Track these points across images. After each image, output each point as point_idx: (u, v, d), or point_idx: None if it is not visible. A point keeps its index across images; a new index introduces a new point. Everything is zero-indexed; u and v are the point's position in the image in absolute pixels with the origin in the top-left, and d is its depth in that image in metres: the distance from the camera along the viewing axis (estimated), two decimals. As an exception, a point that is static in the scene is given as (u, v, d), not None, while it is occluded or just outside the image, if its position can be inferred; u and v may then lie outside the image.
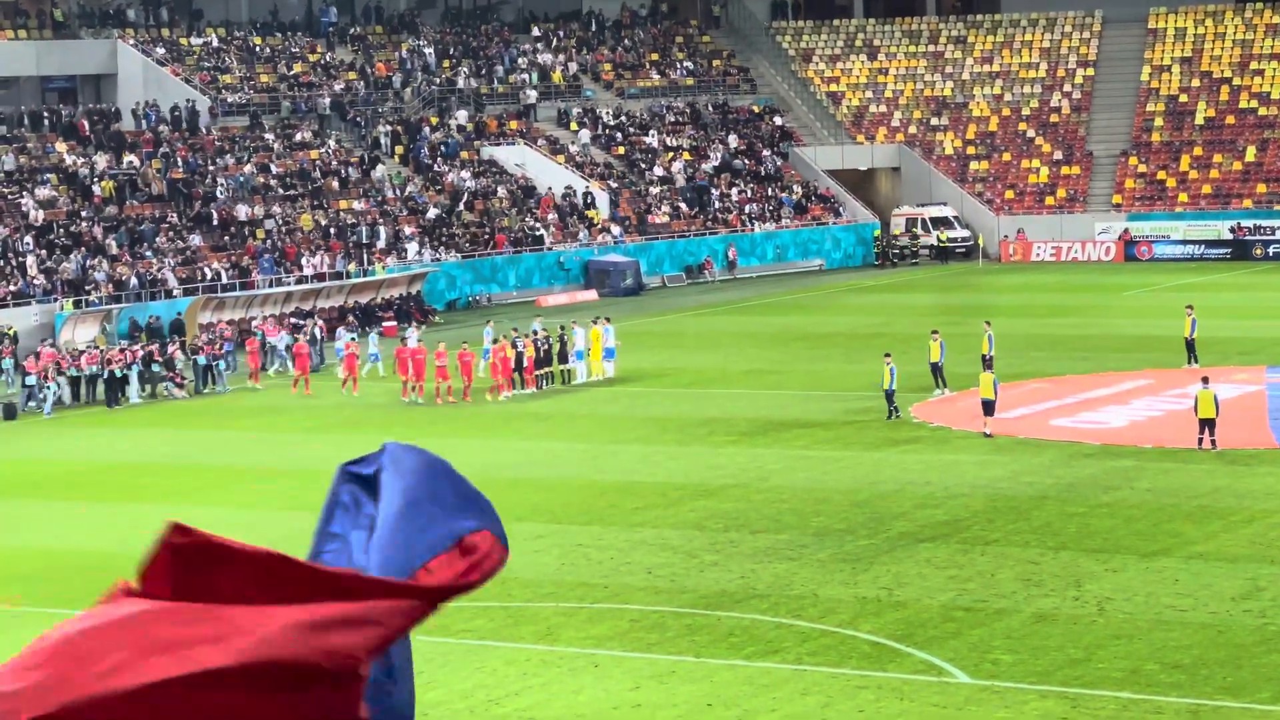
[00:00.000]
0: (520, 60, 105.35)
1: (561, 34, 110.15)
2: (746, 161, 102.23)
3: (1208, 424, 42.83)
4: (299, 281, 77.93)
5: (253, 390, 60.48)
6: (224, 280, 76.22)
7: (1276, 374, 54.04)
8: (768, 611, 30.14)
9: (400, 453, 4.78)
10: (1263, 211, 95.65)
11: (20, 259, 73.67)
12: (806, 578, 32.26)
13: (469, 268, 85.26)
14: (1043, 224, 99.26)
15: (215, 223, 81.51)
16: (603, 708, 25.50)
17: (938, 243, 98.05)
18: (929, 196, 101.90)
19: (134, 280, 73.63)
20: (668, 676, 26.85)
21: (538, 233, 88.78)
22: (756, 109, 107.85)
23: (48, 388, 57.70)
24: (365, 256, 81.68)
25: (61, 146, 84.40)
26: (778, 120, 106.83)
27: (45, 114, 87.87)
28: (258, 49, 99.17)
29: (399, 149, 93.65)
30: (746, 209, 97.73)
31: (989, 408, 46.00)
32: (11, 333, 66.08)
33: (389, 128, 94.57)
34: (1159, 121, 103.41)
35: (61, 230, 77.14)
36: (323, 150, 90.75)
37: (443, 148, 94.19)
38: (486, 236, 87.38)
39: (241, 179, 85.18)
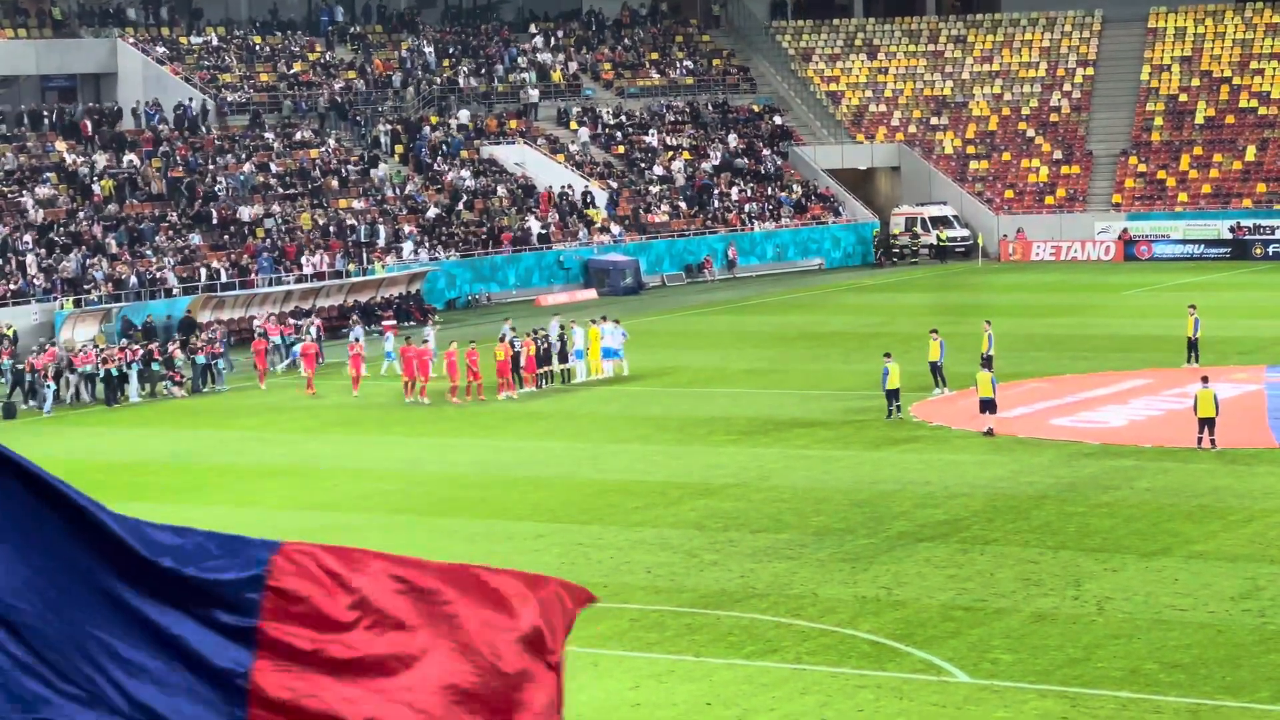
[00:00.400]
0: (520, 59, 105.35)
1: (561, 33, 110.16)
2: (746, 161, 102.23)
3: (1207, 423, 42.83)
4: (299, 281, 77.93)
5: (259, 391, 60.37)
6: (223, 279, 76.21)
7: (1276, 373, 54.04)
8: (767, 611, 30.14)
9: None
10: (1262, 211, 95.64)
11: (20, 258, 73.67)
12: (806, 577, 32.27)
13: (468, 267, 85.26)
14: (1042, 223, 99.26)
15: (215, 222, 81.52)
16: (602, 707, 25.50)
17: (938, 242, 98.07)
18: (929, 196, 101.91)
19: (133, 279, 73.63)
20: (667, 676, 26.86)
21: (535, 232, 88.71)
22: (756, 108, 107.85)
23: (47, 386, 57.70)
24: (365, 256, 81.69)
25: (61, 145, 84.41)
26: (777, 119, 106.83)
27: (45, 113, 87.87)
28: (258, 48, 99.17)
29: (399, 148, 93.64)
30: (746, 208, 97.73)
31: (988, 406, 46.01)
32: (11, 332, 66.06)
33: (389, 127, 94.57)
34: (1159, 121, 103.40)
35: (61, 229, 77.14)
36: (322, 149, 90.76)
37: (444, 147, 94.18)
38: (485, 236, 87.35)
39: (241, 178, 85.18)
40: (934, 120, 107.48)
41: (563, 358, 58.72)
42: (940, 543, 34.54)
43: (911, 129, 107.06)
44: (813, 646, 28.04)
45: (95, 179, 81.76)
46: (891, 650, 27.71)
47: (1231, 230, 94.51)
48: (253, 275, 77.18)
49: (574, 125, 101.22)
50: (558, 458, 45.50)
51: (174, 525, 4.87)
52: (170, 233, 79.40)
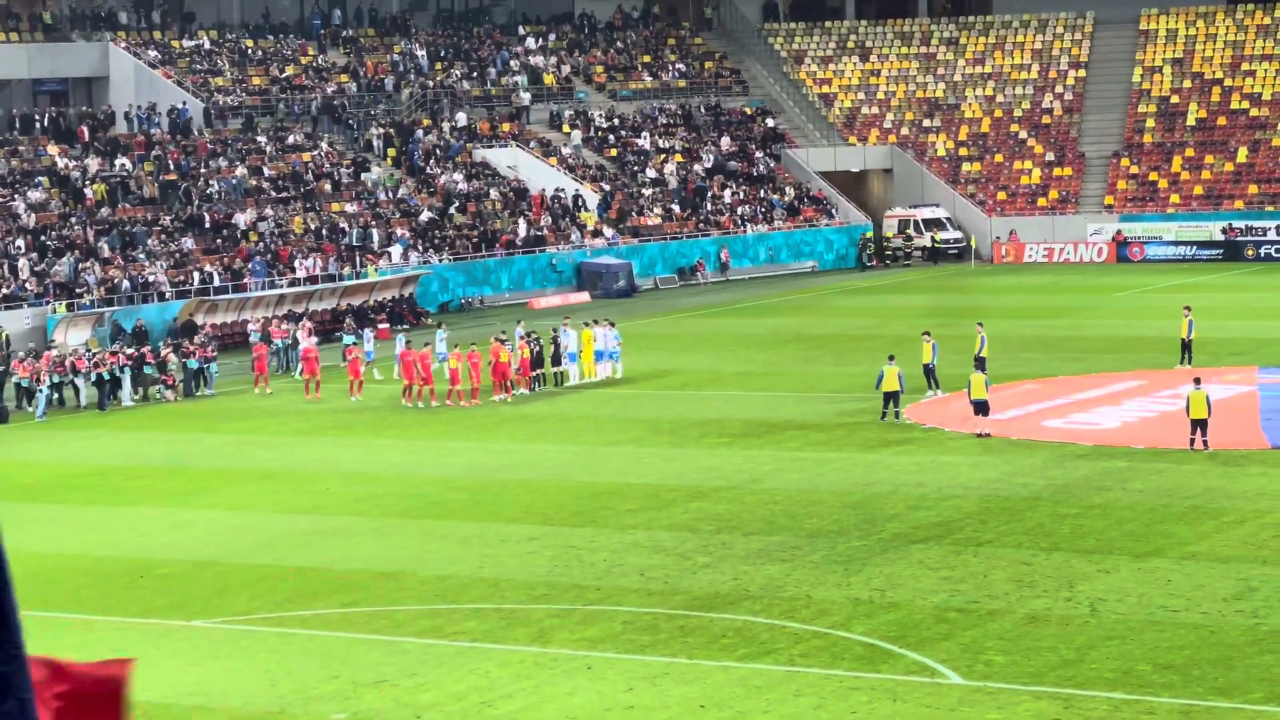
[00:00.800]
0: (512, 62, 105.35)
1: (553, 36, 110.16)
2: (739, 163, 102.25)
3: (1200, 425, 42.88)
4: (291, 284, 77.90)
5: (262, 395, 60.21)
6: (216, 283, 76.16)
7: (1268, 375, 54.09)
8: (761, 613, 30.14)
9: None
10: (1254, 212, 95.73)
11: (12, 262, 73.61)
12: (799, 579, 32.27)
13: (461, 270, 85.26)
14: (1035, 225, 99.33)
15: (207, 225, 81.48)
16: (596, 710, 25.50)
17: (932, 244, 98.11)
18: (921, 198, 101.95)
19: (126, 283, 73.58)
20: (661, 678, 26.85)
21: (522, 233, 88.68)
22: (749, 111, 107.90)
23: (40, 390, 57.67)
24: (358, 259, 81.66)
25: (53, 149, 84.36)
26: (770, 122, 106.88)
27: (37, 117, 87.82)
28: (249, 51, 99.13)
29: (391, 151, 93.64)
30: (739, 210, 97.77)
31: (981, 408, 46.02)
32: (3, 337, 66.02)
33: (381, 130, 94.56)
34: (1150, 123, 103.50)
35: (53, 233, 77.09)
36: (315, 153, 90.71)
37: (437, 151, 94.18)
38: (476, 239, 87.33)
39: (234, 181, 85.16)
40: (926, 122, 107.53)
41: (555, 360, 58.74)
42: (933, 544, 34.55)
43: (904, 131, 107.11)
44: (806, 649, 28.04)
45: (87, 183, 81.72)
46: (885, 652, 27.71)
47: (1224, 232, 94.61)
48: (245, 279, 77.14)
49: (566, 128, 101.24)
50: (550, 460, 45.50)
51: None
52: (162, 236, 79.36)
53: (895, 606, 30.21)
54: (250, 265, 78.09)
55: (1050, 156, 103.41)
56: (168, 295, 73.97)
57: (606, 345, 59.18)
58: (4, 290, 71.26)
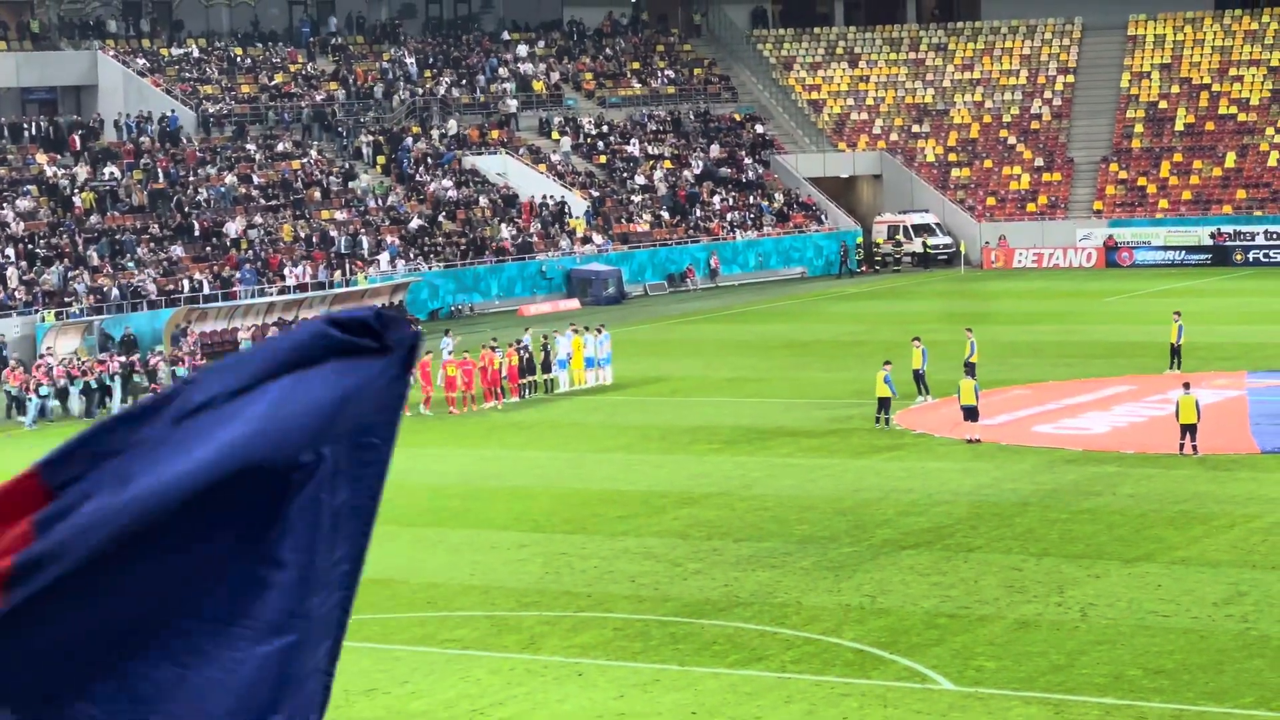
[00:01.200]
0: (501, 70, 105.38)
1: (542, 43, 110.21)
2: (728, 170, 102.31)
3: (1189, 429, 42.92)
4: (281, 292, 77.86)
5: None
6: (206, 291, 76.12)
7: (1257, 379, 54.17)
8: (751, 620, 30.15)
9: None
10: (1243, 217, 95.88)
11: (1, 271, 73.52)
12: (790, 586, 32.28)
13: (451, 277, 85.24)
14: (1024, 230, 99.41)
15: (197, 233, 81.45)
16: (587, 717, 25.50)
17: (924, 250, 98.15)
18: (911, 204, 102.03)
19: (115, 292, 73.53)
20: (651, 685, 26.85)
21: (506, 237, 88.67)
22: (738, 117, 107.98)
23: (30, 400, 57.61)
24: (347, 267, 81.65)
25: (42, 158, 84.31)
26: (759, 128, 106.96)
27: (25, 125, 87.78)
28: (238, 59, 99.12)
29: (380, 159, 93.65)
30: (728, 217, 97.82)
31: (971, 414, 46.05)
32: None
33: (371, 138, 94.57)
34: (1139, 128, 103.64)
35: (42, 242, 77.03)
36: (304, 161, 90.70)
37: (428, 159, 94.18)
38: (464, 247, 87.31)
39: (223, 190, 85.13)
40: (915, 128, 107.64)
41: (546, 367, 58.75)
42: (924, 550, 34.56)
43: (893, 137, 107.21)
44: (797, 655, 28.05)
45: (76, 191, 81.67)
46: (876, 658, 27.72)
47: (1212, 236, 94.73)
48: (235, 287, 77.11)
49: (556, 135, 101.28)
50: (541, 467, 45.49)
51: None
52: (152, 245, 79.31)
53: (886, 612, 30.23)
54: (240, 273, 78.07)
55: (1039, 162, 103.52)
56: (158, 303, 73.91)
57: (597, 352, 59.20)
58: (-7, 299, 71.23)
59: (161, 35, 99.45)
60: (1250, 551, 33.61)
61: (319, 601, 3.86)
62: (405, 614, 31.42)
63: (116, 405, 59.15)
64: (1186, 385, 44.49)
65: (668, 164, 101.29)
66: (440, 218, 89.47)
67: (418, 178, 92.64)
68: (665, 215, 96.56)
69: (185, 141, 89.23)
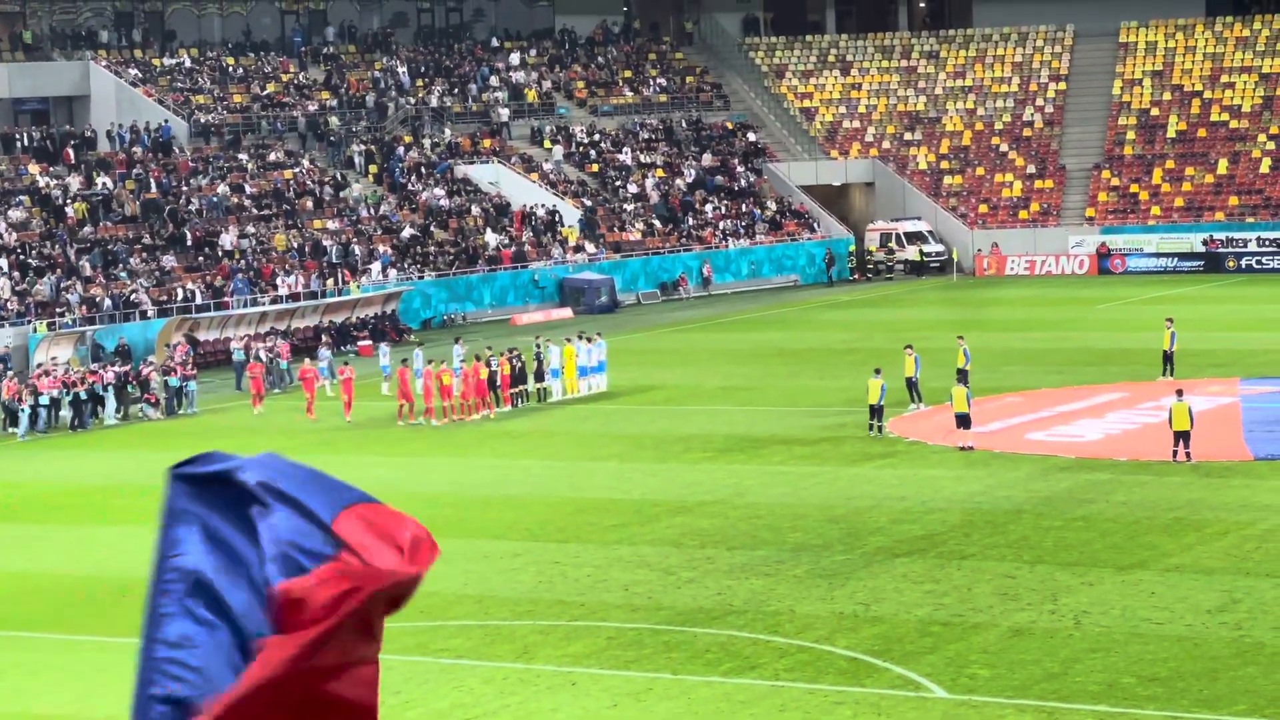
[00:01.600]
0: (493, 78, 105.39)
1: (534, 52, 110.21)
2: (720, 178, 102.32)
3: (1182, 436, 42.93)
4: (274, 301, 77.82)
5: (232, 413, 60.21)
6: (198, 301, 76.06)
7: (1250, 386, 54.20)
8: (745, 628, 30.13)
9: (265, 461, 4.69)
10: (1235, 224, 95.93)
11: (-7, 281, 73.51)
12: (783, 594, 32.26)
13: (444, 286, 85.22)
14: (1016, 238, 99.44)
15: (189, 243, 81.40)
16: (580, 726, 25.47)
17: (918, 257, 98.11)
18: (903, 211, 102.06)
19: (108, 302, 73.46)
20: (645, 694, 26.83)
21: (493, 243, 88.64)
22: (730, 125, 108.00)
23: (22, 410, 57.53)
24: (340, 276, 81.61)
25: (34, 168, 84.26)
26: (751, 136, 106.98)
27: (18, 136, 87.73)
28: (230, 69, 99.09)
29: (373, 168, 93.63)
30: (721, 225, 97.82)
31: (963, 421, 46.06)
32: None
33: (363, 147, 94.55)
34: (1131, 135, 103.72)
35: (34, 252, 76.98)
36: (296, 170, 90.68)
37: (421, 169, 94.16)
38: (452, 256, 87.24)
39: (215, 199, 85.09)
40: (907, 135, 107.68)
41: (539, 376, 58.72)
42: (917, 558, 34.55)
43: (885, 144, 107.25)
44: (790, 663, 28.03)
45: (68, 201, 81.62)
46: (869, 666, 27.71)
47: (1204, 243, 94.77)
48: (227, 296, 77.05)
49: (548, 144, 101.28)
50: (534, 476, 45.47)
51: None
52: (144, 255, 79.25)
53: (879, 620, 30.22)
54: (232, 283, 78.01)
55: (1031, 169, 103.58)
56: (150, 314, 73.84)
57: (590, 361, 59.17)
58: (-15, 309, 71.17)
59: (153, 45, 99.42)
60: (1244, 559, 33.61)
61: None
62: (398, 623, 31.33)
63: (109, 415, 59.09)
64: (1179, 392, 44.50)
65: (660, 172, 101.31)
66: (432, 227, 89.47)
67: (410, 187, 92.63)
68: (658, 224, 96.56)
69: (177, 151, 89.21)
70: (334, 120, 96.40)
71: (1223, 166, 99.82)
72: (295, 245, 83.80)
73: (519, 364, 57.78)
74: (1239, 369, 57.97)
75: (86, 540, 40.50)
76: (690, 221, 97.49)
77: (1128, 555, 34.12)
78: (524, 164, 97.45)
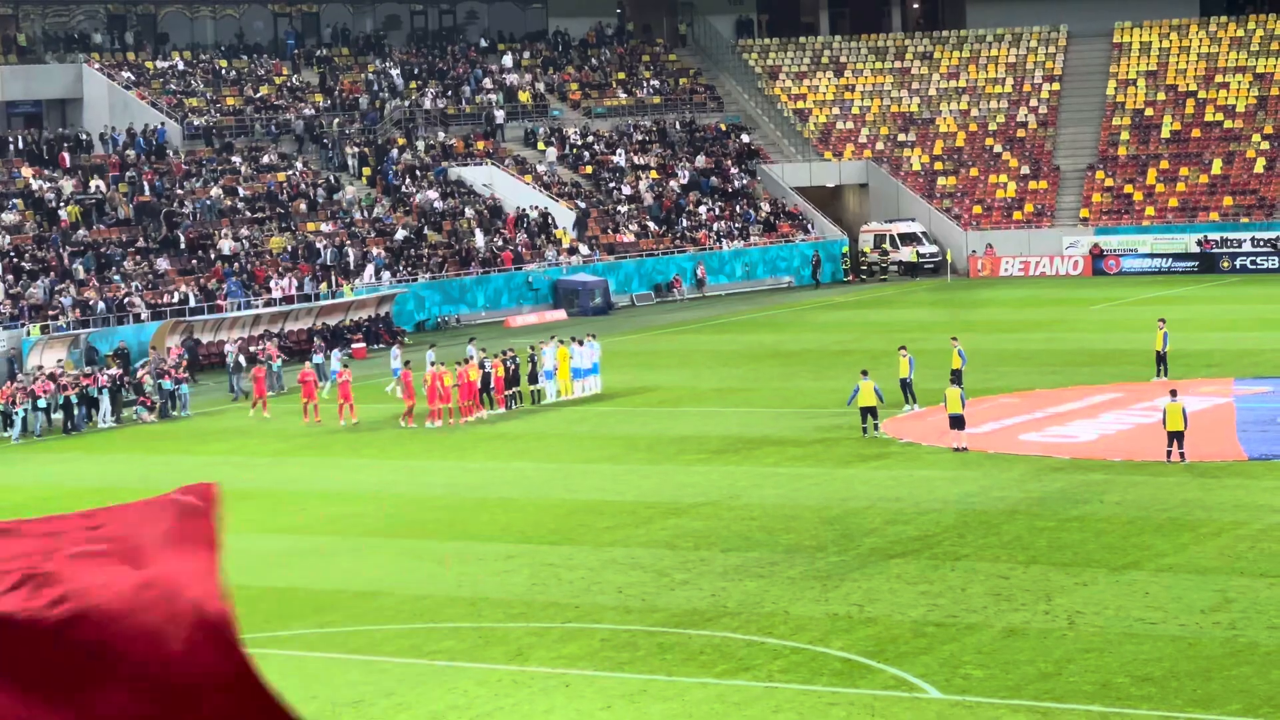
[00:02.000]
0: (486, 81, 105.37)
1: (528, 54, 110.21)
2: (714, 179, 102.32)
3: (1176, 437, 42.92)
4: (268, 304, 77.79)
5: (226, 415, 60.16)
6: (192, 303, 76.01)
7: (1244, 386, 54.21)
8: (739, 629, 30.11)
9: None
10: (1229, 224, 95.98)
11: (-13, 284, 73.47)
12: (777, 595, 32.24)
13: (437, 288, 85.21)
14: (1011, 239, 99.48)
15: (183, 246, 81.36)
16: (574, 728, 25.45)
17: (914, 259, 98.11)
18: (897, 212, 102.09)
19: (101, 305, 73.40)
20: (639, 696, 26.80)
21: (481, 244, 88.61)
22: (724, 127, 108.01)
23: (16, 413, 57.51)
24: (333, 278, 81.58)
25: (27, 171, 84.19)
26: (745, 138, 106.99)
27: (11, 139, 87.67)
28: (224, 72, 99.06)
29: (366, 171, 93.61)
30: (715, 227, 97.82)
31: (957, 422, 46.05)
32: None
33: (356, 149, 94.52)
34: (1125, 135, 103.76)
35: (28, 255, 76.91)
36: (290, 173, 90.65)
37: (415, 171, 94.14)
38: (443, 258, 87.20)
39: (209, 202, 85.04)
40: (901, 137, 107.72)
41: (532, 378, 58.70)
42: (911, 559, 34.54)
43: (879, 146, 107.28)
44: (784, 664, 28.01)
45: (62, 204, 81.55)
46: (863, 667, 27.69)
47: (1199, 244, 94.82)
48: (221, 299, 77.01)
49: (541, 146, 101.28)
50: (528, 478, 45.44)
51: None
52: (138, 258, 79.20)
53: (873, 621, 30.20)
54: (226, 286, 77.97)
55: (1025, 170, 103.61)
56: (143, 317, 73.78)
57: (583, 363, 59.15)
58: (-21, 313, 71.10)
59: (146, 48, 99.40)
60: (1238, 558, 33.60)
61: None
62: (392, 625, 31.36)
63: (104, 418, 59.07)
64: (1173, 392, 44.50)
65: (654, 174, 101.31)
66: (426, 229, 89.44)
67: (403, 189, 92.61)
68: (651, 225, 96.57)
69: (171, 154, 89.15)
70: (323, 122, 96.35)
71: (1217, 167, 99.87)
72: (289, 248, 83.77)
73: (513, 366, 57.75)
74: (1233, 369, 57.98)
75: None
76: (684, 223, 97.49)
77: (1122, 555, 34.11)
78: (518, 166, 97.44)
